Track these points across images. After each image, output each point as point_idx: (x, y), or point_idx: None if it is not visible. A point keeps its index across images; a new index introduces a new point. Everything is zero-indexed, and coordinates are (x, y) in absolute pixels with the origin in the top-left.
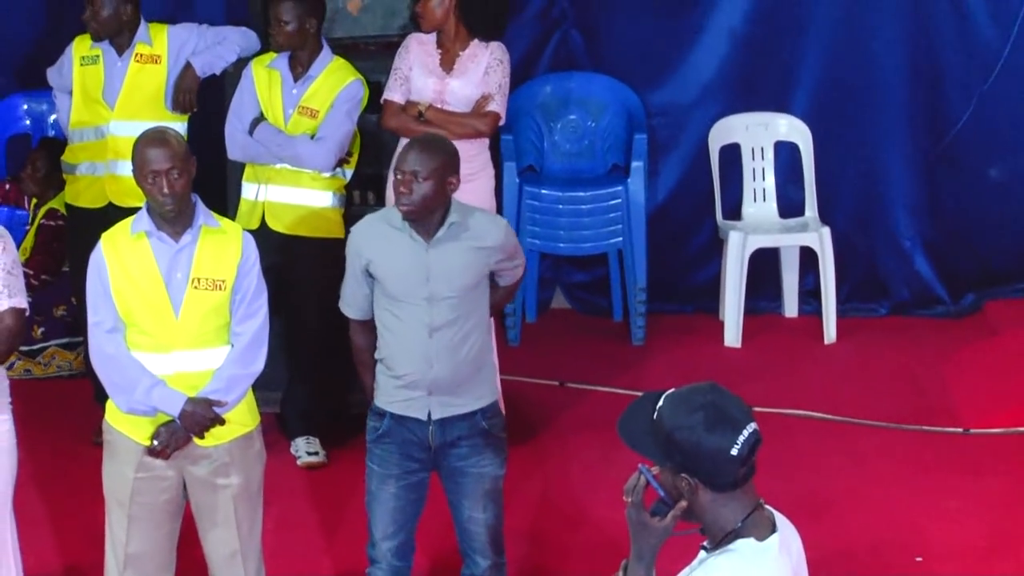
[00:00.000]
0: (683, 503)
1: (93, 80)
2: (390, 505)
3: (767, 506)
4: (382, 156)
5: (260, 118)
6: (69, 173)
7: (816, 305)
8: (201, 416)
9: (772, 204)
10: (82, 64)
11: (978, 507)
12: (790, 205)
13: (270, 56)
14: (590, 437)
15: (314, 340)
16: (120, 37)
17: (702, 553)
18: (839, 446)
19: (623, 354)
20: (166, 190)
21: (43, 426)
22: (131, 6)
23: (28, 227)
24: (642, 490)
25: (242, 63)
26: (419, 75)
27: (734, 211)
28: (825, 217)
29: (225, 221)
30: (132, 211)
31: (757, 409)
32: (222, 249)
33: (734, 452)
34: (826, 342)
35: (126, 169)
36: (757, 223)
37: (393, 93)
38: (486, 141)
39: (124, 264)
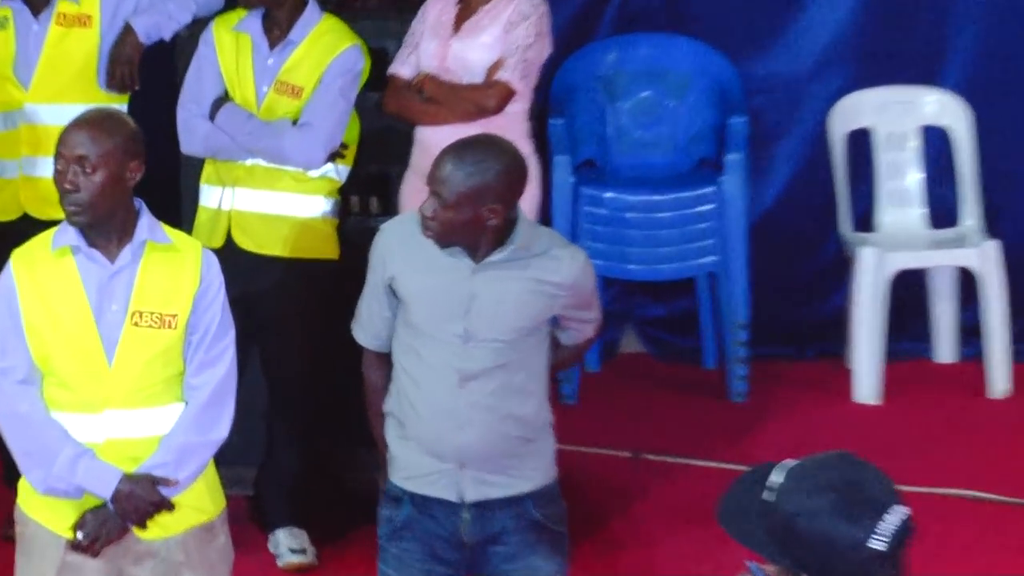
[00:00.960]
0: None
1: (1, 50)
2: None
3: None
4: (389, 148)
5: (224, 98)
6: None
7: (979, 346)
8: (141, 499)
9: (918, 210)
10: None
11: None
12: (942, 212)
13: (238, 15)
14: (677, 527)
15: (300, 396)
16: None
17: None
18: (1018, 535)
19: (718, 414)
20: (67, 186)
21: None
22: None
23: None
24: None
25: (200, 25)
26: (427, 38)
27: (866, 220)
28: (991, 227)
29: (178, 235)
30: (55, 224)
31: (905, 488)
32: (173, 273)
33: (876, 546)
34: (993, 396)
35: (47, 169)
36: (898, 237)
37: (401, 65)
38: (525, 127)
39: (41, 291)
